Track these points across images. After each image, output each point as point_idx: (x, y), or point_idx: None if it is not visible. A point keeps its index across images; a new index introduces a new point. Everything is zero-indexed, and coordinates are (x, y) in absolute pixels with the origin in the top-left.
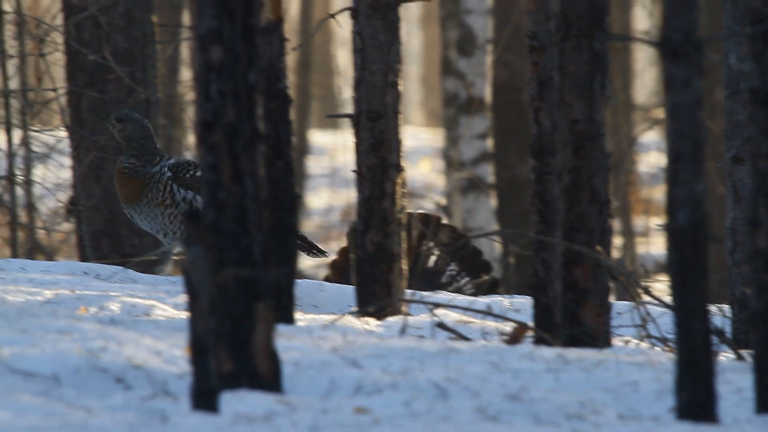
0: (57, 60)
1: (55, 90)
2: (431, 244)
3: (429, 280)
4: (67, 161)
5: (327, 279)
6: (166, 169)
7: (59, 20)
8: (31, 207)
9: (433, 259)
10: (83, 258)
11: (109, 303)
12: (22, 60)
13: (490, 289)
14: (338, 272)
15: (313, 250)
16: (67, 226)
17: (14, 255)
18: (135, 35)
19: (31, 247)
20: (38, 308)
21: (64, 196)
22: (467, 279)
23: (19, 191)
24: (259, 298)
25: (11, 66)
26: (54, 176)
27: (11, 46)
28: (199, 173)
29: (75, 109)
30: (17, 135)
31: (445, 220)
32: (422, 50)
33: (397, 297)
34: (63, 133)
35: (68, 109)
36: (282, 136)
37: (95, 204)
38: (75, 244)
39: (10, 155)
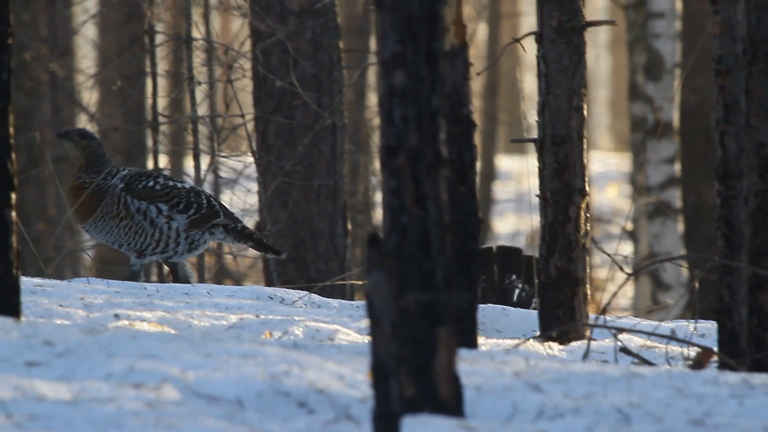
0: (245, 86)
1: (242, 116)
2: (513, 277)
3: None
4: (254, 186)
5: None
6: (118, 180)
7: (247, 47)
8: None
9: (516, 292)
10: (269, 283)
11: (293, 327)
12: (210, 86)
13: None
14: None
15: (269, 251)
16: (254, 251)
17: (201, 280)
18: (322, 61)
19: (219, 272)
20: (223, 332)
21: (251, 221)
22: None
23: None
24: (441, 322)
25: (200, 92)
26: (241, 201)
27: (200, 72)
28: (151, 183)
29: (262, 134)
30: (205, 161)
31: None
32: (610, 74)
33: (580, 322)
34: (250, 159)
35: (255, 135)
36: (465, 161)
37: (281, 229)
38: (261, 269)
39: (198, 181)
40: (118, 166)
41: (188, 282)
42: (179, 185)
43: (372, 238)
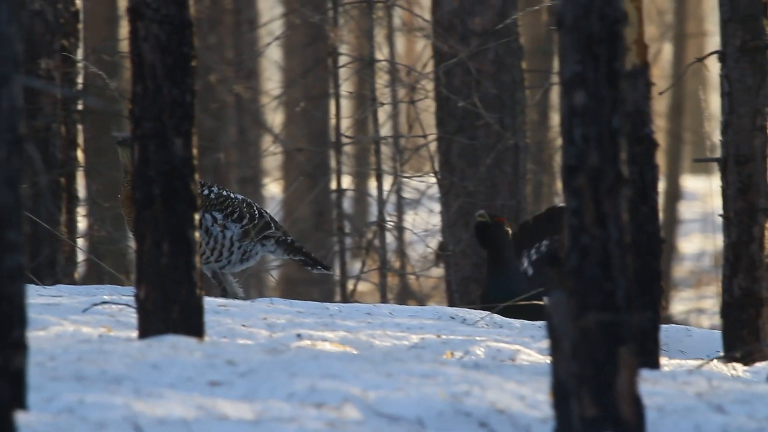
0: (427, 107)
1: (425, 137)
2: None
3: None
4: (437, 207)
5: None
6: None
7: (430, 67)
8: (401, 253)
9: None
10: (451, 303)
11: (474, 348)
12: (393, 107)
13: None
14: None
15: (318, 266)
16: (437, 271)
17: (384, 300)
18: (504, 81)
19: (401, 292)
20: (404, 352)
21: (434, 241)
22: None
23: (390, 237)
24: (622, 342)
25: (383, 113)
26: (423, 222)
27: (383, 93)
28: (206, 192)
29: (444, 155)
30: (388, 181)
31: None
32: None
33: (765, 342)
34: (433, 179)
35: (438, 156)
36: (647, 181)
37: (464, 249)
38: (444, 289)
39: (381, 201)
40: None
41: (236, 297)
42: (232, 195)
43: (553, 258)
